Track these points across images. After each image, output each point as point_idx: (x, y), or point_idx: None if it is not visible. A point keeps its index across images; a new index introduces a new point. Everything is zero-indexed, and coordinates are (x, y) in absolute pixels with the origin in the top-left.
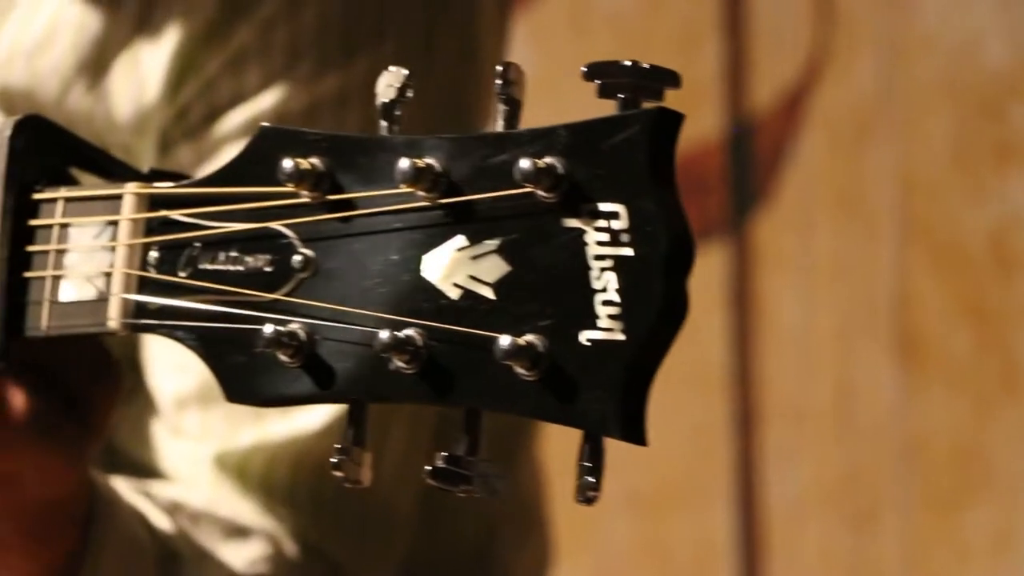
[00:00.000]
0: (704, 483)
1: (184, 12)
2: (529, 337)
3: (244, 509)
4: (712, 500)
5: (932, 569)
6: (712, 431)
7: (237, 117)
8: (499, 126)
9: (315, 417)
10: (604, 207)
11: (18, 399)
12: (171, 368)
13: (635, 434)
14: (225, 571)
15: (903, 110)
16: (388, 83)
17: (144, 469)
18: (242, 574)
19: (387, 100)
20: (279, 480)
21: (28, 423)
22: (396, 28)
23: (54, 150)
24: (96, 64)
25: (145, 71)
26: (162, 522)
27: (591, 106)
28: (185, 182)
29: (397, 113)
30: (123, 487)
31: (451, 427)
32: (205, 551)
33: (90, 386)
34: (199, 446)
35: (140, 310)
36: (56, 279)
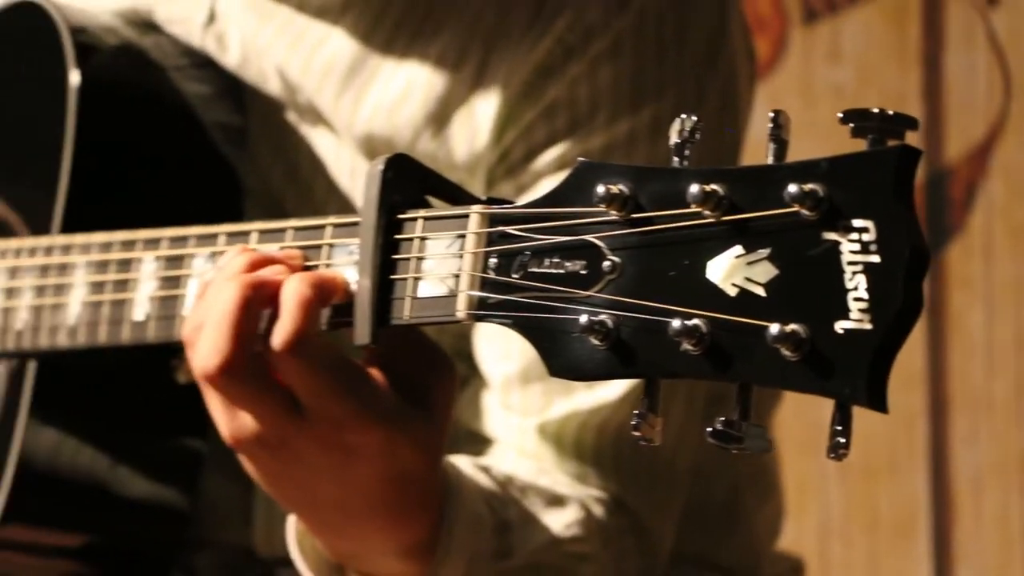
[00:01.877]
0: (905, 458)
1: (508, 74)
2: (793, 326)
3: (560, 479)
4: (911, 472)
5: None
6: (912, 416)
7: (548, 156)
8: (769, 159)
9: (614, 389)
10: (856, 223)
11: (368, 383)
12: (498, 357)
13: (879, 403)
14: (548, 534)
15: None
16: (681, 128)
17: (478, 437)
18: (561, 535)
19: (679, 140)
20: (587, 442)
21: (377, 403)
22: (674, 85)
23: (414, 181)
24: (440, 117)
25: (478, 122)
26: (498, 492)
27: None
28: (519, 204)
29: (687, 152)
30: (464, 463)
31: (721, 399)
32: (531, 517)
33: (433, 384)
34: (524, 419)
35: (481, 304)
36: (416, 280)
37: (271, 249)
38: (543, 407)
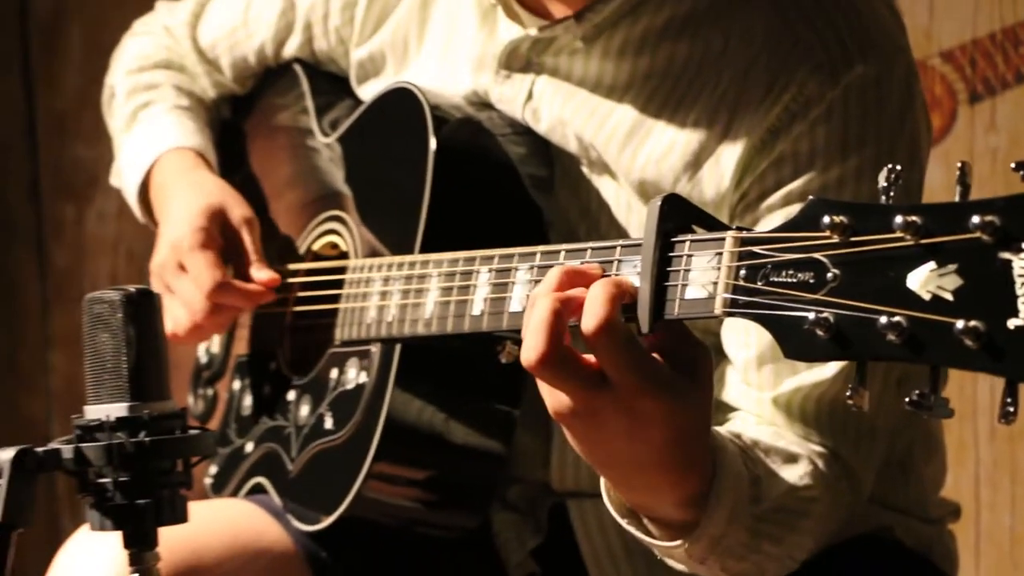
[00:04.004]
0: None
1: (746, 134)
2: (975, 322)
3: (792, 439)
4: None
5: None
6: None
7: (777, 196)
8: (956, 198)
9: (830, 368)
10: None
11: (654, 360)
12: (740, 344)
13: None
14: (787, 484)
15: None
16: (888, 175)
17: (723, 405)
18: (796, 484)
19: (885, 184)
20: (809, 409)
21: (660, 376)
22: (873, 141)
23: (683, 214)
24: (695, 165)
25: (723, 170)
26: (749, 453)
27: None
28: (764, 231)
29: (892, 192)
30: (722, 431)
31: (908, 377)
32: (773, 472)
33: (697, 360)
34: (760, 392)
35: (733, 304)
36: (684, 286)
37: (587, 263)
38: (775, 383)
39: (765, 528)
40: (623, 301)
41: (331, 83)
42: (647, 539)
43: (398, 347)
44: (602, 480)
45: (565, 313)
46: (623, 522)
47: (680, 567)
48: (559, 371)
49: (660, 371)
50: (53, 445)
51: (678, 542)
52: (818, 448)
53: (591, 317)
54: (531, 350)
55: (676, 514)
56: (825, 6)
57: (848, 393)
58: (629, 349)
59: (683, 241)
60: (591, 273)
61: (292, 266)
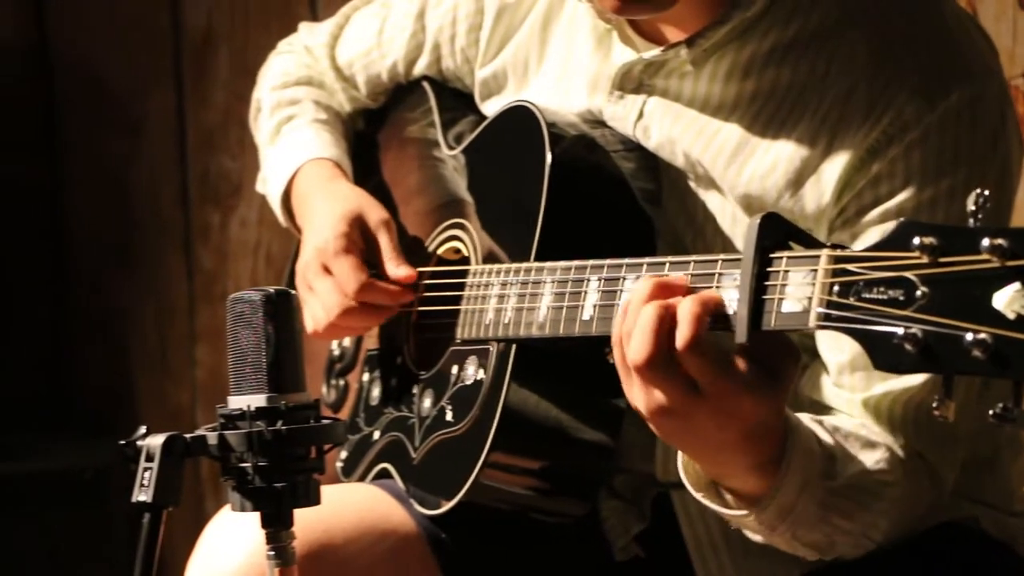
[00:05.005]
0: None
1: (846, 154)
2: None
3: (875, 432)
4: None
5: None
6: None
7: (874, 214)
8: None
9: (920, 376)
10: None
11: (744, 364)
12: (833, 350)
13: None
14: (862, 465)
15: None
16: (976, 198)
17: (817, 405)
18: (872, 467)
19: (974, 207)
20: (897, 413)
21: (744, 379)
22: (965, 164)
23: (780, 231)
24: (797, 182)
25: (823, 187)
26: (827, 436)
27: None
28: (857, 249)
29: (980, 215)
30: (805, 417)
31: (988, 388)
32: (850, 453)
33: (784, 363)
34: (852, 395)
35: (827, 318)
36: (780, 300)
37: (667, 276)
38: (866, 387)
39: (836, 502)
40: (709, 315)
41: (456, 99)
42: (722, 509)
43: (514, 347)
44: (679, 456)
45: (668, 320)
46: (699, 495)
47: (756, 538)
48: (662, 372)
49: (746, 374)
50: (199, 432)
51: (749, 511)
52: (901, 443)
53: (680, 337)
54: (638, 352)
55: (749, 482)
56: (923, 32)
57: (935, 404)
58: (716, 361)
59: (780, 257)
60: (677, 285)
61: (420, 269)
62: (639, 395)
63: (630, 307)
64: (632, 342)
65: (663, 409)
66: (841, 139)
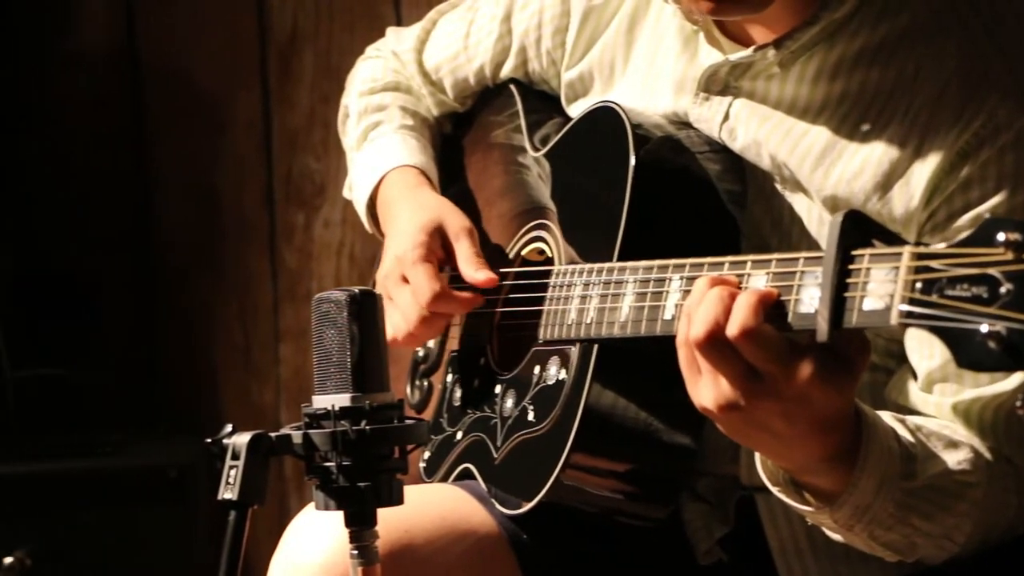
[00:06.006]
0: None
1: (936, 157)
2: None
3: (960, 433)
4: None
5: None
6: None
7: (965, 218)
8: None
9: (1011, 381)
10: None
11: (813, 354)
12: (923, 356)
13: None
14: (944, 466)
15: None
16: None
17: (903, 410)
18: (953, 468)
19: None
20: (987, 418)
21: (810, 368)
22: None
23: (863, 229)
24: (885, 185)
25: (912, 190)
26: (907, 435)
27: None
28: (939, 246)
29: None
30: (886, 415)
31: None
32: (932, 453)
33: (857, 356)
34: (942, 399)
35: (909, 315)
36: (862, 297)
37: (730, 275)
38: (956, 392)
39: (915, 503)
40: (763, 305)
41: (543, 101)
42: (798, 506)
43: (596, 347)
44: (757, 454)
45: (728, 299)
46: (775, 489)
47: (836, 536)
48: (722, 351)
49: (815, 364)
50: (284, 431)
51: (825, 508)
52: (989, 444)
53: (734, 322)
54: (699, 326)
55: (824, 478)
56: (1014, 34)
57: (1019, 403)
58: (776, 348)
59: (862, 255)
60: (731, 280)
61: (503, 270)
62: (704, 387)
63: (693, 289)
64: (695, 318)
65: (728, 402)
66: (931, 142)
